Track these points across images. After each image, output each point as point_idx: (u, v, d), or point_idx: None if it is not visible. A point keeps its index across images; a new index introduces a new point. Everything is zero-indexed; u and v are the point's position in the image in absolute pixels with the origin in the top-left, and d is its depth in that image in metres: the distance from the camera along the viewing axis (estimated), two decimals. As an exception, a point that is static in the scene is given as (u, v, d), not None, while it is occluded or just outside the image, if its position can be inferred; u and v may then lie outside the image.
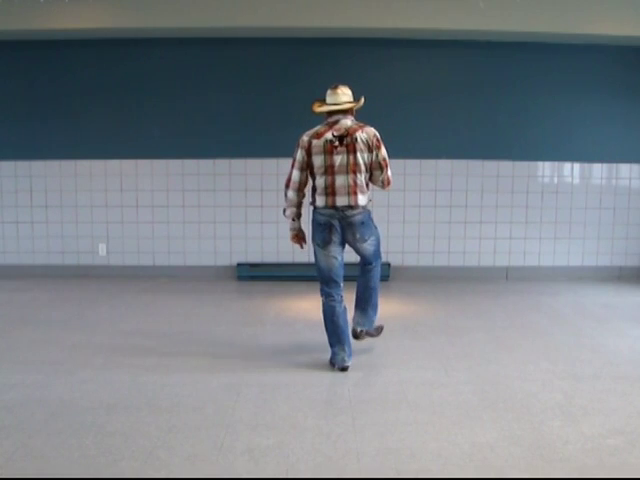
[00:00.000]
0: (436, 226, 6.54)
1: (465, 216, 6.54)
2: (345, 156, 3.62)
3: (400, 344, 4.26)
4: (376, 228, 3.86)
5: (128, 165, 6.47)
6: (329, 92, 3.74)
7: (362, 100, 3.77)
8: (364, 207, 3.69)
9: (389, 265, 6.44)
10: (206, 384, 3.48)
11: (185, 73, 6.35)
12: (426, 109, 6.40)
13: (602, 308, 5.33)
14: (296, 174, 3.71)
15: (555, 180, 6.61)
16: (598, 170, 6.59)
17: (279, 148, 6.33)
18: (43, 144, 6.42)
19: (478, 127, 6.43)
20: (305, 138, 3.68)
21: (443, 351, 4.10)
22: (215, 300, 5.58)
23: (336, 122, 3.68)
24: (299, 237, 3.87)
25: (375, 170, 3.72)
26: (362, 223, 3.68)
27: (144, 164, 6.47)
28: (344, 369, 3.69)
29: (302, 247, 3.95)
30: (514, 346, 4.23)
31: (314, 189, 3.73)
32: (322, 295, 3.82)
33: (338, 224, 3.66)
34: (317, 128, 3.72)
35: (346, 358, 3.71)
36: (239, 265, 6.49)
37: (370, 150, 3.65)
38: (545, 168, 6.60)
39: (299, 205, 3.79)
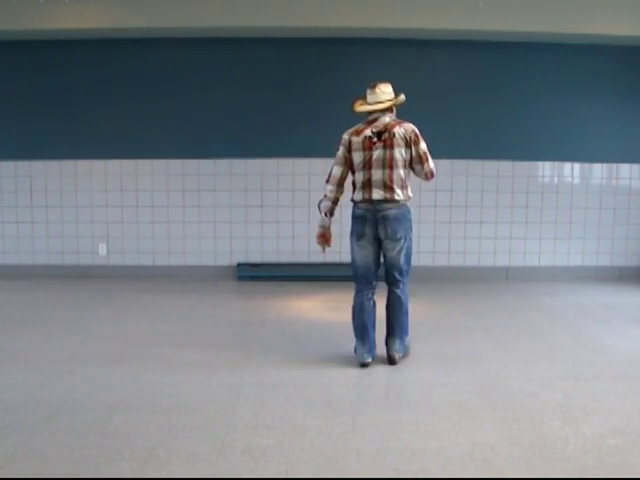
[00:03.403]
0: (436, 226, 6.54)
1: (465, 216, 6.54)
2: (382, 151, 3.66)
3: (400, 344, 4.26)
4: (410, 233, 3.76)
5: (128, 165, 6.47)
6: (368, 91, 3.76)
7: (402, 96, 3.79)
8: (400, 202, 3.69)
9: (389, 265, 6.45)
10: (206, 384, 3.47)
11: (185, 73, 6.35)
12: (426, 109, 6.35)
13: (602, 308, 5.33)
14: (336, 169, 3.78)
15: (555, 180, 6.61)
16: (598, 170, 6.58)
17: (279, 148, 6.36)
18: (43, 144, 6.42)
19: (478, 127, 6.42)
20: (346, 136, 3.76)
21: (443, 351, 4.10)
22: (215, 300, 5.58)
23: (375, 120, 3.73)
24: (326, 237, 3.85)
25: (416, 165, 3.75)
26: (395, 218, 3.68)
27: (144, 164, 6.47)
28: (364, 365, 3.71)
29: (324, 250, 3.93)
30: (514, 346, 4.23)
31: (354, 184, 3.78)
32: (355, 289, 3.86)
33: (372, 217, 3.68)
34: (357, 126, 3.78)
35: (365, 355, 3.74)
36: (239, 265, 6.49)
37: (408, 145, 3.69)
38: (545, 168, 6.60)
39: (335, 201, 3.81)
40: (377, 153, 3.66)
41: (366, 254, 3.76)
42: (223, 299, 5.65)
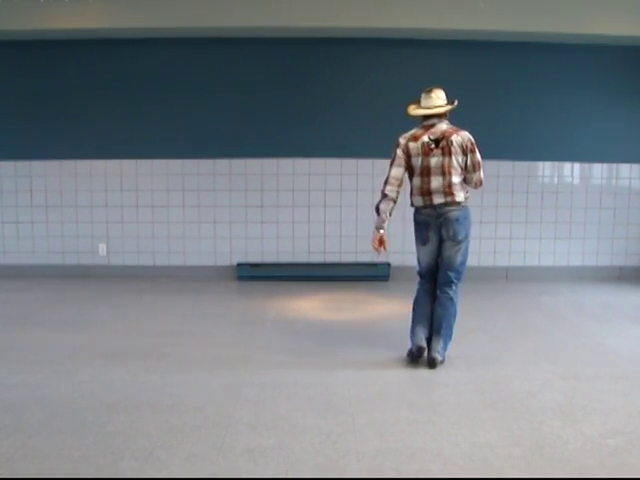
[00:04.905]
0: (436, 226, 6.53)
1: (465, 216, 6.53)
2: (440, 158, 3.69)
3: (400, 344, 4.25)
4: (470, 234, 3.78)
5: (128, 165, 6.47)
6: (423, 95, 3.78)
7: (456, 102, 3.82)
8: (461, 204, 3.73)
9: (389, 265, 6.45)
10: (206, 384, 3.47)
11: (185, 73, 6.35)
12: (426, 109, 6.38)
13: (602, 308, 5.33)
14: (396, 170, 3.75)
15: (555, 180, 6.61)
16: (598, 170, 6.58)
17: (279, 148, 6.35)
18: (43, 144, 6.42)
19: (478, 127, 6.36)
20: (402, 141, 3.77)
21: (443, 351, 4.10)
22: (215, 300, 5.58)
23: (432, 126, 3.76)
24: (382, 241, 3.78)
25: (468, 173, 3.78)
26: (457, 220, 3.71)
27: (144, 164, 6.47)
28: (420, 350, 3.75)
29: (379, 253, 3.85)
30: (514, 346, 4.23)
31: (411, 190, 3.79)
32: (419, 284, 3.93)
33: (435, 222, 3.72)
34: (413, 131, 3.79)
35: (423, 340, 3.78)
36: (239, 265, 6.49)
37: (464, 153, 3.73)
38: (545, 168, 6.60)
39: (395, 202, 3.77)
40: (435, 160, 3.69)
41: (431, 256, 3.81)
42: (223, 299, 5.65)
